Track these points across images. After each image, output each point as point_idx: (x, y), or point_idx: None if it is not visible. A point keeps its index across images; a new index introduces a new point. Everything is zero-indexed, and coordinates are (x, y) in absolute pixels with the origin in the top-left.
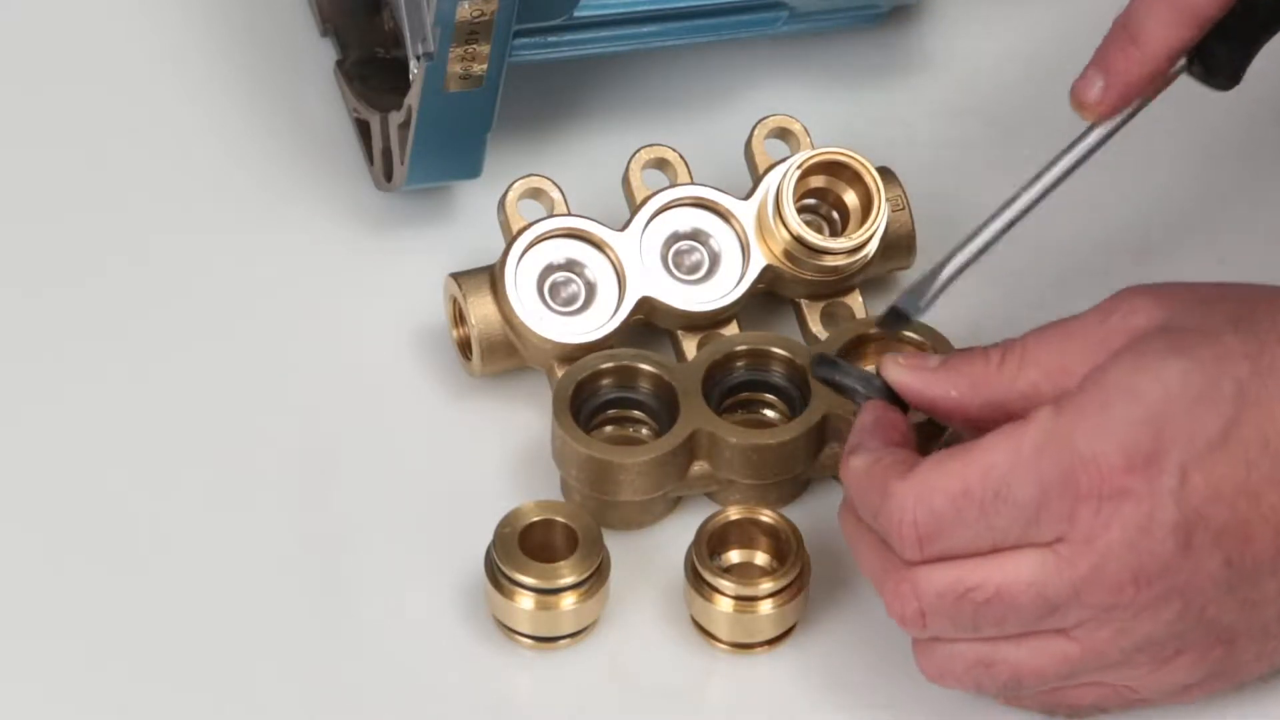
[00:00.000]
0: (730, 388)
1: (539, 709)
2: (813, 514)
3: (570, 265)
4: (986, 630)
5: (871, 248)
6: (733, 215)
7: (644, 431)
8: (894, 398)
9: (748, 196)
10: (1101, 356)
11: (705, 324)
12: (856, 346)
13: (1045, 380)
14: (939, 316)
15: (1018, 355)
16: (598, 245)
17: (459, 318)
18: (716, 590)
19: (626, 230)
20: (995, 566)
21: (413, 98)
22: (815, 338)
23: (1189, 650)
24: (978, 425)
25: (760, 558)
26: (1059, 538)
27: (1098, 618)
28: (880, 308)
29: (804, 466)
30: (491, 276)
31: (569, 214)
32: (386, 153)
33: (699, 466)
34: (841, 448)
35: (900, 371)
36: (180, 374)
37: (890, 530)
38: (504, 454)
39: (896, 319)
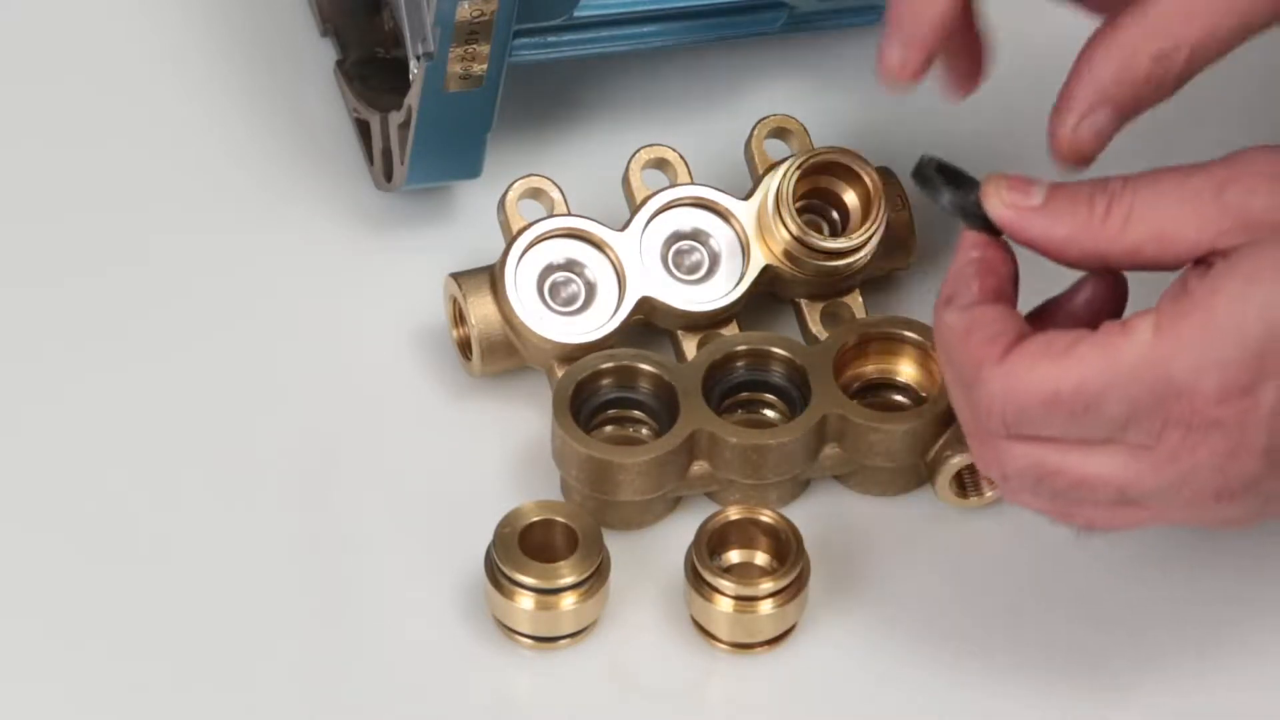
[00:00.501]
0: (730, 388)
1: (539, 709)
2: (813, 514)
3: (570, 265)
4: (1065, 501)
5: (871, 248)
6: (733, 215)
7: (644, 431)
8: (990, 224)
9: (748, 196)
10: (1211, 233)
11: (705, 324)
12: (858, 346)
13: (1150, 243)
14: None
15: (1125, 208)
16: (598, 245)
17: (459, 318)
18: (716, 590)
19: (626, 230)
20: (1080, 457)
21: (413, 98)
22: (815, 338)
23: (1264, 517)
24: (1075, 266)
25: (760, 558)
26: (1146, 446)
27: (1177, 509)
28: (880, 308)
29: (804, 466)
30: (491, 276)
31: (569, 214)
32: (386, 153)
33: (699, 466)
34: (841, 448)
35: (1001, 207)
36: (180, 374)
37: (979, 408)
38: (504, 454)
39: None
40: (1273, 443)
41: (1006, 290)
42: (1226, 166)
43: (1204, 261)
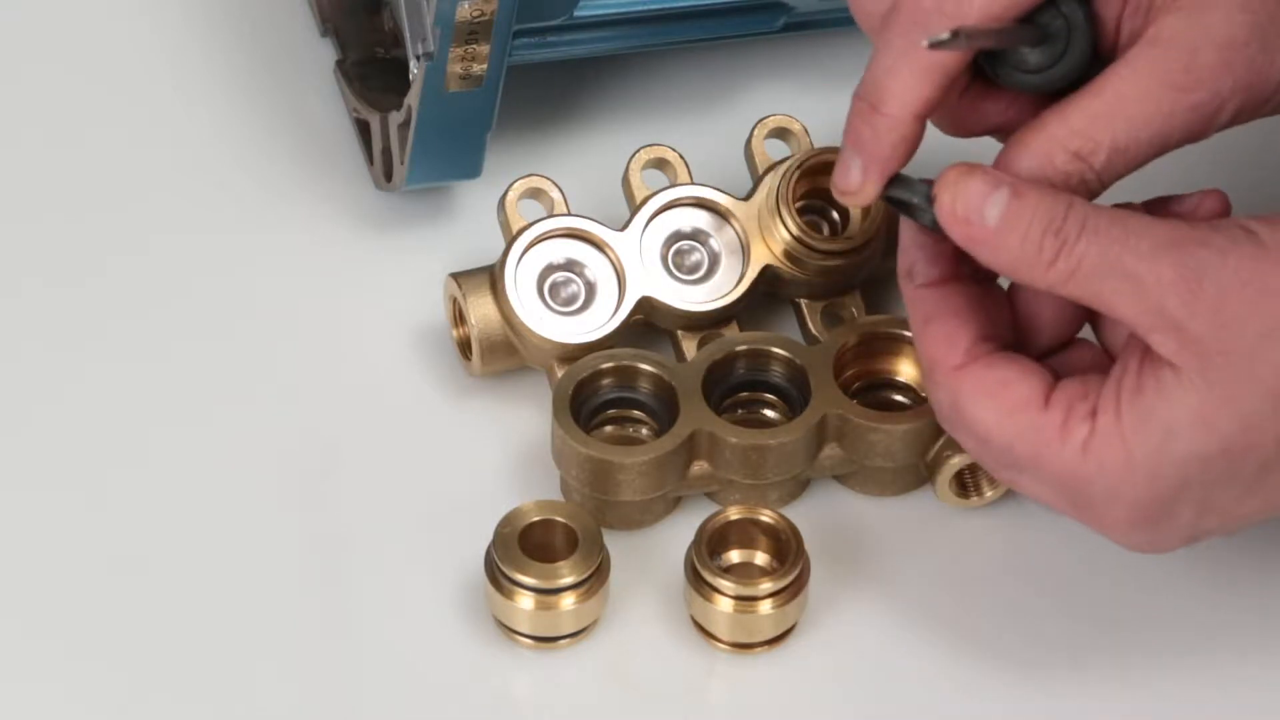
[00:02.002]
0: (730, 388)
1: (539, 709)
2: (813, 514)
3: (570, 265)
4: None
5: (871, 248)
6: (733, 215)
7: (644, 431)
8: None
9: (748, 196)
10: (1145, 327)
11: (705, 324)
12: (858, 346)
13: (1087, 299)
14: None
15: (1072, 265)
16: (598, 245)
17: (459, 318)
18: (716, 590)
19: (626, 230)
20: (1015, 474)
21: (413, 98)
22: (815, 338)
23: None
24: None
25: (760, 558)
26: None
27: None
28: (880, 308)
29: (804, 466)
30: (491, 276)
31: (569, 214)
32: (386, 153)
33: (699, 466)
34: (841, 448)
35: (953, 221)
36: (180, 374)
37: (928, 391)
38: (504, 454)
39: None
40: (1188, 539)
41: (958, 267)
42: (1180, 272)
43: (1143, 350)
